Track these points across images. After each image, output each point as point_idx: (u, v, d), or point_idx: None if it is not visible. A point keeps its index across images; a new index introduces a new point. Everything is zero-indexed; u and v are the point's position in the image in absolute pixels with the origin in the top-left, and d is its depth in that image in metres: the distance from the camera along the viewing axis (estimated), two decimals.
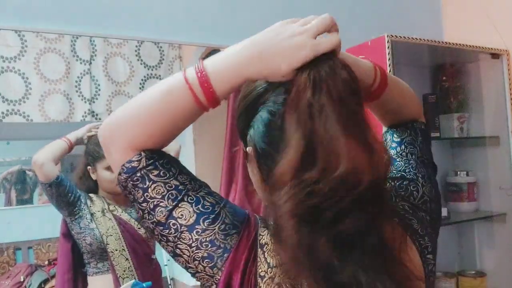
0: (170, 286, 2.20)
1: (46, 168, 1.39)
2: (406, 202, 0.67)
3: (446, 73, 2.16)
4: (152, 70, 1.76)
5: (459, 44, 1.91)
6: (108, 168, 1.46)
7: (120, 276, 1.43)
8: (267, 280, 0.56)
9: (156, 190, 0.59)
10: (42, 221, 1.87)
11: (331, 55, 0.58)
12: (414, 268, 0.59)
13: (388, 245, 0.56)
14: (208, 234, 0.58)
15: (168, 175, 0.60)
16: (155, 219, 0.59)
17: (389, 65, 1.64)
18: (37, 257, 1.86)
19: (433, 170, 0.76)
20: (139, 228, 1.52)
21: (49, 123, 1.58)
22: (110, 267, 1.44)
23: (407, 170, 0.71)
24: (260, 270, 0.57)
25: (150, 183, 0.59)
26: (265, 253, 0.57)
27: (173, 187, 0.59)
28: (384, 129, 0.79)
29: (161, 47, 1.77)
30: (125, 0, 1.58)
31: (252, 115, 0.64)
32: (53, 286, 1.62)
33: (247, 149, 0.65)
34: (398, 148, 0.74)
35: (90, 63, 1.64)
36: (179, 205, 0.59)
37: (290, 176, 0.53)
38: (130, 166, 0.60)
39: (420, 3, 2.24)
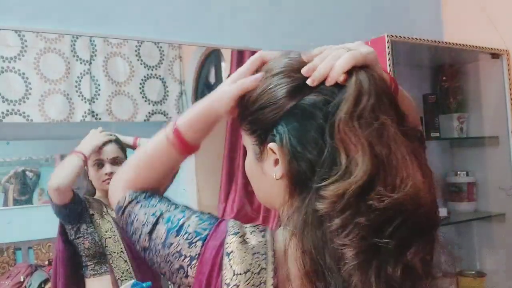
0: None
1: (68, 192, 1.36)
2: None
3: (446, 73, 2.16)
4: (152, 70, 1.76)
5: (459, 44, 1.91)
6: (94, 165, 1.48)
7: (118, 278, 1.43)
8: (232, 287, 0.57)
9: (138, 221, 0.67)
10: (42, 221, 1.86)
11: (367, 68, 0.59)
12: None
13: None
14: (175, 246, 0.62)
15: (148, 205, 0.68)
16: (141, 246, 0.66)
17: (389, 65, 1.64)
18: (37, 257, 1.86)
19: None
20: None
21: (49, 123, 1.58)
22: (109, 269, 1.43)
23: None
24: (225, 278, 0.57)
25: (134, 216, 0.67)
26: (231, 261, 0.58)
27: (151, 213, 0.66)
28: None
29: (161, 47, 1.77)
30: (125, 0, 1.58)
31: (285, 108, 0.61)
32: None
33: (270, 145, 0.62)
34: None
35: (90, 63, 1.64)
36: (156, 227, 0.64)
37: (353, 197, 0.54)
38: (118, 206, 0.70)
39: (420, 3, 2.24)
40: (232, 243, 0.59)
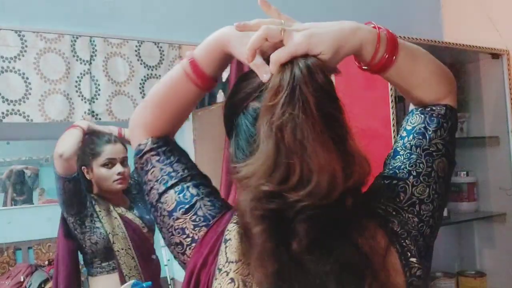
0: (170, 286, 2.20)
1: (71, 161, 1.34)
2: (391, 203, 0.64)
3: None
4: (152, 70, 1.76)
5: (459, 44, 1.91)
6: (104, 165, 1.45)
7: (126, 275, 1.42)
8: (223, 273, 0.58)
9: (153, 174, 0.66)
10: (42, 221, 1.86)
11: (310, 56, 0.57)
12: (391, 271, 0.58)
13: (364, 251, 0.55)
14: (180, 222, 0.63)
15: (166, 162, 0.66)
16: (150, 201, 0.66)
17: None
18: (37, 257, 1.87)
19: (445, 164, 0.67)
20: (143, 227, 1.52)
21: (49, 123, 1.58)
22: (117, 266, 1.42)
23: (402, 167, 0.66)
24: (219, 263, 0.59)
25: (150, 167, 0.67)
26: (227, 248, 0.59)
27: (167, 173, 0.66)
28: (410, 108, 0.73)
29: (161, 47, 1.77)
30: (125, 0, 1.58)
31: (237, 108, 0.66)
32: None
33: (230, 141, 0.67)
34: (406, 139, 0.68)
35: (90, 63, 1.64)
36: (167, 191, 0.64)
37: (257, 180, 0.54)
38: (139, 148, 0.68)
39: (420, 3, 2.24)
40: (231, 231, 0.60)
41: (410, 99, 0.71)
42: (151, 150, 0.67)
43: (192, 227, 0.62)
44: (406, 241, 0.61)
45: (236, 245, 0.58)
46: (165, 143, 0.68)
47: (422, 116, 0.68)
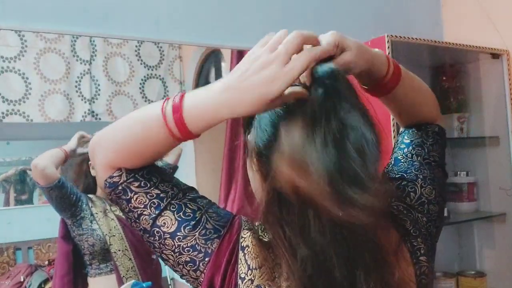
0: (170, 286, 2.20)
1: (48, 171, 1.38)
2: (401, 203, 0.68)
3: (446, 73, 2.16)
4: (152, 70, 1.76)
5: (459, 44, 1.91)
6: None
7: (123, 276, 1.43)
8: (247, 281, 0.57)
9: (138, 200, 0.61)
10: (42, 221, 1.86)
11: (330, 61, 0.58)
12: (404, 269, 0.60)
13: (383, 249, 0.57)
14: (189, 240, 0.60)
15: (149, 185, 0.62)
16: (141, 227, 0.62)
17: None
18: (37, 257, 1.86)
19: (442, 174, 0.76)
20: None
21: (49, 123, 1.58)
22: (114, 267, 1.44)
23: (408, 171, 0.72)
24: (240, 272, 0.58)
25: (132, 194, 0.62)
26: (246, 255, 0.58)
27: (155, 196, 0.61)
28: (401, 130, 0.80)
29: (161, 47, 1.77)
30: (125, 0, 1.58)
31: None
32: None
33: (248, 136, 0.64)
34: (406, 150, 0.75)
35: (90, 63, 1.64)
36: (162, 213, 0.61)
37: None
38: (111, 181, 0.62)
39: (420, 3, 2.24)
40: (247, 237, 0.60)
41: (406, 118, 0.78)
42: (127, 179, 0.62)
43: (203, 242, 0.59)
44: (418, 239, 0.64)
45: (255, 251, 0.58)
46: (141, 168, 0.63)
47: (419, 132, 0.76)
